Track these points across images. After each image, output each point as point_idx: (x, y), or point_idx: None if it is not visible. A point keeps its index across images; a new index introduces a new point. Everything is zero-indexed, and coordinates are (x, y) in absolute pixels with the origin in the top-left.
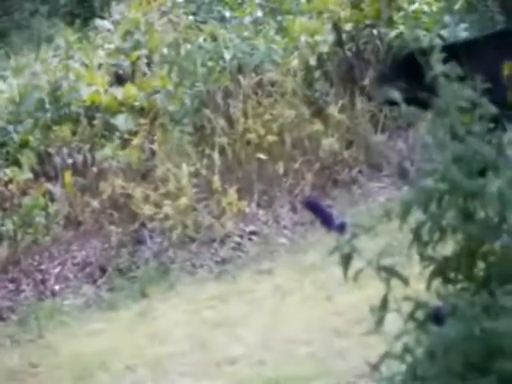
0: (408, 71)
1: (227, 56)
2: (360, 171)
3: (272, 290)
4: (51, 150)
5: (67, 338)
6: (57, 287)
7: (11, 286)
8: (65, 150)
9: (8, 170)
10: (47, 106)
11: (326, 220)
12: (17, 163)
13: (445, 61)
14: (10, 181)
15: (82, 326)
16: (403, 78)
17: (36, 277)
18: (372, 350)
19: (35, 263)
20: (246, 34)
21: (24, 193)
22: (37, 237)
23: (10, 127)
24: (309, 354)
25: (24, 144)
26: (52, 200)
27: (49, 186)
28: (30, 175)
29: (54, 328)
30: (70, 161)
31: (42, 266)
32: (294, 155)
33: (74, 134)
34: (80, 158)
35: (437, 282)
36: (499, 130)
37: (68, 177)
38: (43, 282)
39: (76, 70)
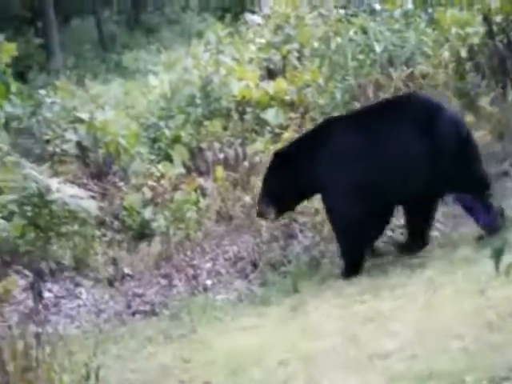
0: None
1: (378, 49)
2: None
3: (424, 283)
4: (203, 145)
5: (219, 333)
6: (209, 282)
7: (164, 282)
8: (216, 145)
9: (160, 166)
10: (198, 101)
11: (477, 213)
12: (169, 158)
13: None
14: (162, 176)
15: (234, 321)
16: None
17: (188, 272)
18: None
19: (187, 258)
20: (396, 26)
21: (176, 188)
22: (188, 232)
23: (162, 123)
24: (461, 348)
25: (176, 139)
26: (203, 195)
27: (200, 180)
28: (181, 170)
29: (207, 323)
30: (221, 155)
31: (194, 262)
32: None
33: (225, 128)
34: (231, 152)
35: None
36: None
37: (220, 171)
38: (195, 277)
39: (227, 65)
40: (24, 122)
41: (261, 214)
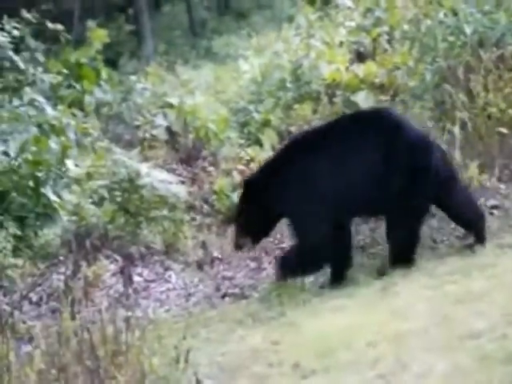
0: None
1: (468, 30)
2: None
3: None
4: (292, 129)
5: (308, 315)
6: None
7: (253, 265)
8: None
9: (250, 150)
10: (288, 85)
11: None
12: (258, 142)
13: None
14: (252, 160)
15: (322, 302)
16: None
17: (277, 255)
18: None
19: (276, 241)
20: (486, 7)
21: None
22: None
23: (252, 107)
24: None
25: (265, 123)
26: None
27: None
28: (271, 154)
29: (296, 305)
30: None
31: (283, 244)
32: None
33: (314, 112)
34: None
35: None
36: None
37: None
38: None
39: (317, 49)
40: (114, 107)
41: (239, 247)
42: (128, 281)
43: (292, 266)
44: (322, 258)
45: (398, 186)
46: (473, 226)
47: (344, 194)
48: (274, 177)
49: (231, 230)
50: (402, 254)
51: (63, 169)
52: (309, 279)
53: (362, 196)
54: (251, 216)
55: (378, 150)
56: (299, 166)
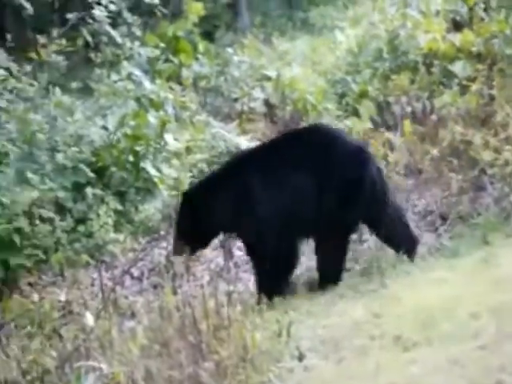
0: None
1: None
2: None
3: None
4: (390, 99)
5: (409, 287)
6: None
7: (353, 237)
8: (403, 99)
9: (348, 121)
10: (385, 55)
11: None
12: (356, 113)
13: None
14: (350, 131)
15: (423, 274)
16: None
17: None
18: None
19: None
20: None
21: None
22: None
23: (349, 78)
24: None
25: (363, 94)
26: (391, 149)
27: (388, 135)
28: (369, 125)
29: (396, 277)
30: (408, 109)
31: None
32: None
33: (412, 82)
34: (419, 106)
35: None
36: None
37: (407, 125)
38: None
39: (413, 18)
40: (212, 80)
41: (177, 253)
42: (229, 255)
43: (268, 285)
44: (287, 262)
45: (330, 201)
46: (403, 250)
47: (278, 215)
48: (210, 191)
49: None
50: (330, 277)
51: (162, 143)
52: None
53: (299, 215)
54: (187, 227)
55: (312, 166)
56: (234, 182)
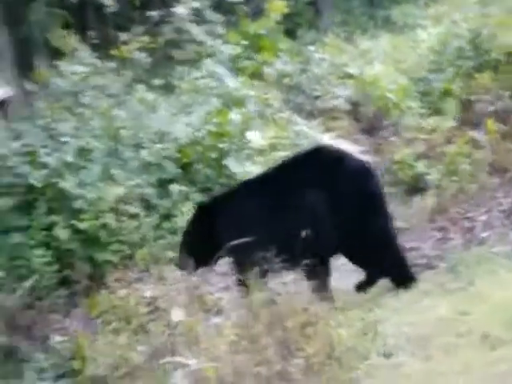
0: None
1: None
2: None
3: None
4: (473, 98)
5: (498, 285)
6: (484, 235)
7: (439, 235)
8: (486, 98)
9: (431, 120)
10: (468, 53)
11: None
12: (439, 112)
13: None
14: (434, 130)
15: (510, 272)
16: None
17: (463, 225)
18: None
19: (462, 211)
20: None
21: (448, 141)
22: (462, 185)
23: (432, 76)
24: None
25: (446, 92)
26: (476, 147)
27: (472, 133)
28: (452, 123)
29: (483, 275)
30: (491, 108)
31: (469, 214)
32: None
33: (495, 80)
34: (502, 104)
35: None
36: None
37: (491, 124)
38: (470, 229)
39: (495, 17)
40: (294, 78)
41: (181, 267)
42: None
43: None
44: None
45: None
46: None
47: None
48: (226, 208)
49: (415, 201)
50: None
51: (245, 140)
52: (496, 248)
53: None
54: (195, 241)
55: (322, 185)
56: (243, 204)
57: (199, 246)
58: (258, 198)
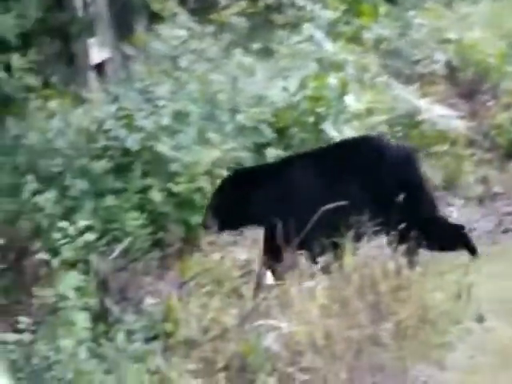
0: None
1: None
2: None
3: None
4: None
5: None
6: None
7: None
8: None
9: None
10: None
11: None
12: None
13: None
14: None
15: None
16: None
17: None
18: None
19: None
20: None
21: None
22: None
23: None
24: None
25: None
26: None
27: None
28: None
29: None
30: None
31: None
32: None
33: None
34: None
35: None
36: None
37: None
38: None
39: None
40: (393, 43)
41: (207, 227)
42: None
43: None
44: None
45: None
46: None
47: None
48: (263, 181)
49: None
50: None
51: (343, 104)
52: None
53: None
54: (225, 204)
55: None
56: (287, 178)
57: (229, 211)
58: (313, 174)
